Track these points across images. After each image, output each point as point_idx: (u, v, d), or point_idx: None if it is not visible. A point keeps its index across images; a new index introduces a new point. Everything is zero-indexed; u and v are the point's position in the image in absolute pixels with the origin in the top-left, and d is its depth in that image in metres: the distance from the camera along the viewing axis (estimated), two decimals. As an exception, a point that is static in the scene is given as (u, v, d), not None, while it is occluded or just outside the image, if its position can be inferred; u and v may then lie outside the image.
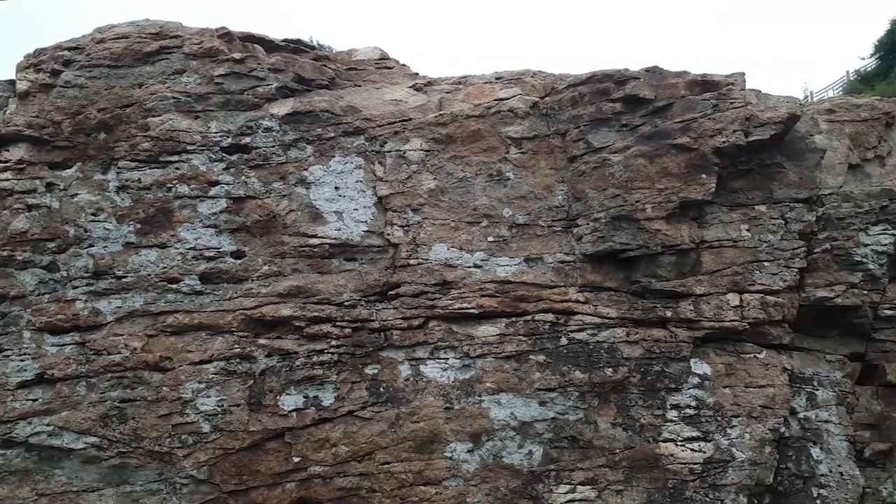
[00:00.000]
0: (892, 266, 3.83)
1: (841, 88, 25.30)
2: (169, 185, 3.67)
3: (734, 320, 3.61)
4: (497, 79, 4.36)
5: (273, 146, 3.73)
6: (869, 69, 24.84)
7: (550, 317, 3.69)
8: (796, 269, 3.72)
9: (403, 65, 4.45)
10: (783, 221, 3.79)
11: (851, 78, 25.42)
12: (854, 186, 4.02)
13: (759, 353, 3.64)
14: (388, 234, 3.70)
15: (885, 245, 3.76)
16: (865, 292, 3.74)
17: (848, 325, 3.81)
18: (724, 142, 3.70)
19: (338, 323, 3.57)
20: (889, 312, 3.76)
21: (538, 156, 3.95)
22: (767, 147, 3.81)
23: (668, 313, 3.67)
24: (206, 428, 3.48)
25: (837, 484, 3.46)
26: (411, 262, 3.67)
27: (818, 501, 3.43)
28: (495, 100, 4.00)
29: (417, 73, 4.37)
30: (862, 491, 3.49)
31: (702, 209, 3.80)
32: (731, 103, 3.80)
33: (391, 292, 3.65)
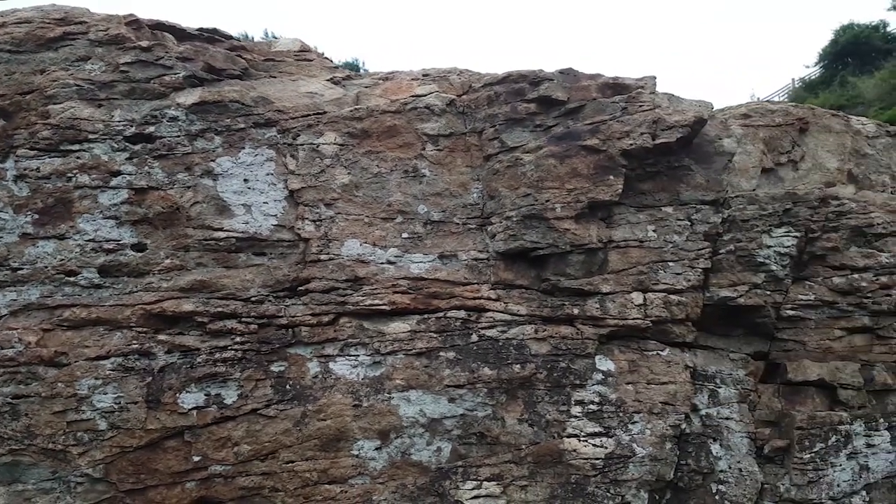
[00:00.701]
0: (795, 267, 3.97)
1: (786, 95, 26.24)
2: (69, 175, 3.54)
3: (637, 318, 3.68)
4: (424, 75, 4.36)
5: (179, 136, 3.63)
6: (813, 77, 25.85)
7: (462, 314, 3.70)
8: (700, 270, 3.82)
9: (325, 58, 4.40)
10: (689, 223, 3.89)
11: (796, 85, 26.42)
12: (767, 190, 4.15)
13: (662, 351, 3.72)
14: (299, 229, 3.65)
15: (788, 247, 3.89)
16: (768, 293, 3.87)
17: (752, 324, 3.93)
18: (632, 144, 3.78)
19: (243, 319, 3.50)
20: (791, 312, 3.88)
21: (455, 153, 3.95)
22: (675, 150, 3.89)
23: (576, 311, 3.72)
24: (102, 426, 3.37)
25: (736, 480, 3.56)
26: (322, 257, 3.63)
27: (717, 497, 3.52)
28: (412, 96, 3.99)
29: (338, 67, 4.33)
30: (760, 487, 3.59)
31: (610, 210, 3.87)
32: (640, 106, 3.87)
33: (301, 288, 3.60)
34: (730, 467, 3.57)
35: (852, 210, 3.96)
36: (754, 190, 4.29)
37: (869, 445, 3.74)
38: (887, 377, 3.87)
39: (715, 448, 3.59)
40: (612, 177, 3.79)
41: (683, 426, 3.60)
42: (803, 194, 3.99)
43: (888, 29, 24.40)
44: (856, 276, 3.90)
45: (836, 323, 3.91)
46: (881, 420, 3.81)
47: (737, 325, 3.96)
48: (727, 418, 3.69)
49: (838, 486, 3.59)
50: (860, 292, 3.89)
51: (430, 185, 3.88)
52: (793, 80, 26.52)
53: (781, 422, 3.72)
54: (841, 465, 3.63)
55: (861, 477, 3.67)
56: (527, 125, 3.94)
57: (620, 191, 3.80)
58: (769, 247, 3.87)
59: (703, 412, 3.69)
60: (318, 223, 3.66)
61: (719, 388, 3.75)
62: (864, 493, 3.66)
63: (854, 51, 23.95)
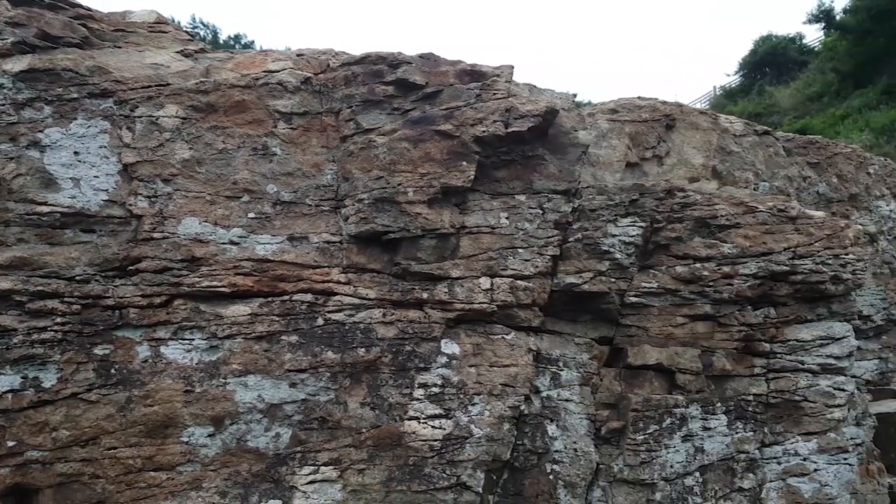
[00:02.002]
0: (641, 256, 4.09)
1: (708, 102, 27.39)
2: None
3: (483, 303, 3.71)
4: (299, 55, 4.25)
5: (4, 105, 3.40)
6: (733, 85, 27.08)
7: (309, 297, 3.63)
8: (549, 257, 3.88)
9: (182, 30, 4.23)
10: (541, 211, 3.95)
11: (717, 93, 27.57)
12: (618, 182, 4.26)
13: (507, 335, 3.77)
14: (131, 205, 3.48)
15: (633, 236, 4.00)
16: (613, 280, 3.97)
17: (598, 310, 4.03)
18: (485, 131, 3.80)
19: (66, 299, 3.31)
20: (635, 299, 4.00)
21: (309, 133, 3.87)
22: (529, 139, 3.94)
23: (425, 295, 3.71)
24: None
25: (571, 460, 3.63)
26: (155, 235, 3.47)
27: (551, 476, 3.59)
28: (264, 71, 3.88)
29: (193, 39, 4.17)
30: (595, 467, 3.68)
31: (465, 196, 3.88)
32: (494, 94, 3.90)
33: (131, 268, 3.44)
34: (565, 447, 3.64)
35: (697, 202, 4.11)
36: (620, 182, 4.41)
37: (705, 428, 3.89)
38: (726, 363, 4.04)
39: (552, 429, 3.66)
40: (465, 163, 3.80)
41: (523, 407, 3.65)
42: (650, 186, 4.12)
43: (804, 41, 25.89)
44: (698, 265, 4.05)
45: (679, 310, 4.05)
46: (718, 404, 3.98)
47: (584, 311, 4.05)
48: (567, 400, 3.76)
49: (671, 466, 3.73)
50: (702, 281, 4.04)
51: (281, 164, 3.79)
52: (714, 87, 27.79)
53: (620, 404, 3.83)
54: (675, 447, 3.76)
55: (695, 458, 3.82)
56: (384, 107, 3.90)
57: (473, 177, 3.81)
58: (614, 236, 3.97)
59: (544, 394, 3.76)
60: (152, 199, 3.50)
61: (562, 370, 3.82)
62: (697, 474, 3.80)
63: (772, 61, 25.25)
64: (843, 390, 4.13)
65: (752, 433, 3.98)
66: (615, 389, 3.88)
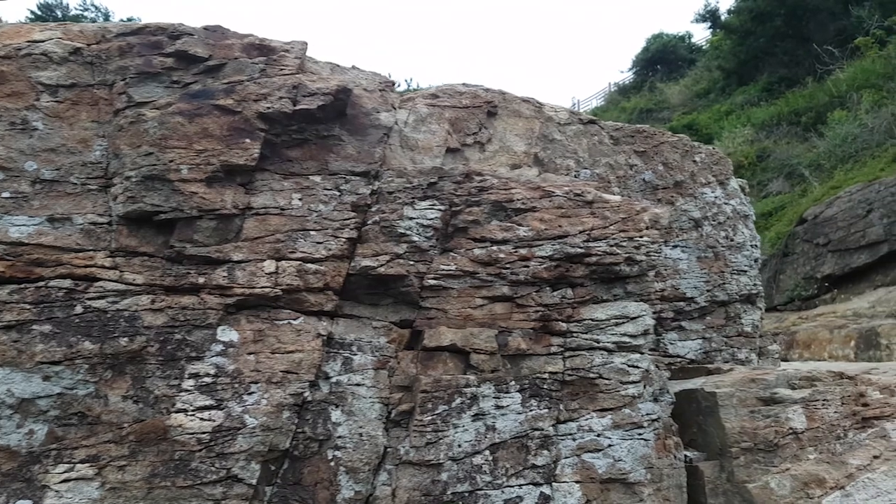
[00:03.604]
0: (442, 239, 4.08)
1: (603, 98, 28.51)
2: None
3: (266, 287, 3.58)
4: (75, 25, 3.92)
5: None
6: (627, 82, 28.29)
7: (67, 283, 3.37)
8: (345, 239, 3.79)
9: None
10: (338, 193, 3.85)
11: (612, 89, 28.74)
12: (419, 165, 4.23)
13: (294, 320, 3.65)
14: None
15: (432, 219, 3.99)
16: (411, 263, 3.94)
17: (398, 293, 3.99)
18: (269, 108, 3.65)
19: None
20: (434, 282, 3.98)
21: (79, 106, 3.59)
22: (324, 118, 3.83)
23: (202, 280, 3.54)
24: None
25: (355, 445, 3.57)
26: None
27: (332, 463, 3.51)
28: (28, 41, 3.56)
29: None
30: (383, 451, 3.64)
31: (252, 175, 3.73)
32: (281, 70, 3.76)
33: None
34: (350, 433, 3.58)
35: (493, 186, 4.14)
36: (440, 167, 4.38)
37: (498, 407, 3.94)
38: (522, 342, 4.10)
39: (336, 415, 3.59)
40: (248, 140, 3.64)
41: (307, 394, 3.56)
42: (449, 169, 4.11)
43: (692, 40, 27.40)
44: (495, 248, 4.09)
45: (478, 292, 4.08)
46: (513, 383, 4.03)
47: (386, 295, 4.00)
48: (358, 385, 3.70)
49: (459, 446, 3.74)
50: (499, 263, 4.08)
51: (43, 139, 3.49)
52: (609, 84, 29.01)
53: (413, 386, 3.81)
54: (464, 427, 3.79)
55: (486, 437, 3.86)
56: (163, 80, 3.67)
57: (257, 156, 3.66)
58: (412, 218, 3.94)
59: (333, 379, 3.68)
60: None
61: (355, 355, 3.75)
62: (487, 452, 3.84)
63: (662, 58, 26.59)
64: (638, 367, 4.30)
65: (546, 410, 4.07)
66: (410, 372, 3.85)
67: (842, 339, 14.74)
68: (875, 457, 4.42)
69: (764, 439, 4.31)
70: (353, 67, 4.40)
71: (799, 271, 17.80)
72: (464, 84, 5.19)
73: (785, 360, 14.66)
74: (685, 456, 4.47)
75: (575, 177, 5.44)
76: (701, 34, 26.48)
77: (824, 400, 4.48)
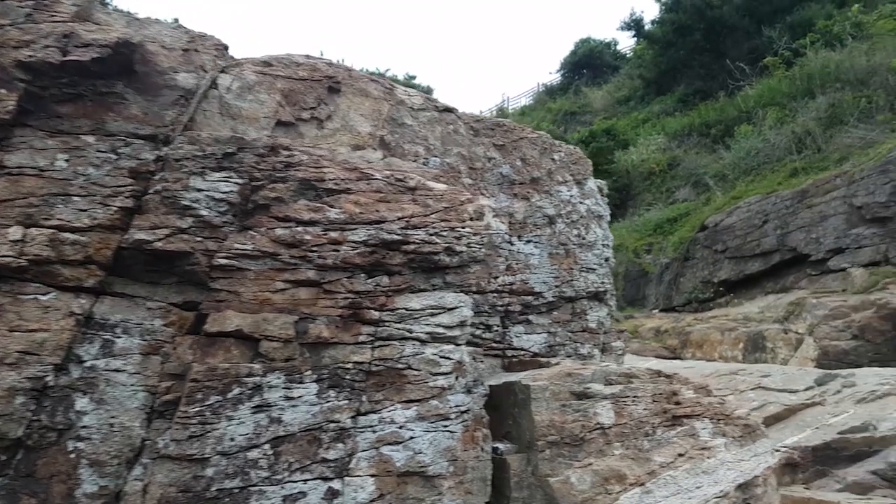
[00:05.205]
0: (242, 216, 3.79)
1: (532, 97, 28.83)
2: None
3: (8, 256, 3.19)
4: None
5: None
6: (555, 83, 28.71)
7: None
8: (117, 208, 3.45)
9: None
10: (114, 156, 3.50)
11: (540, 90, 29.10)
12: (214, 132, 3.91)
13: (43, 295, 3.28)
14: None
15: (226, 192, 3.69)
16: (199, 239, 3.63)
17: (184, 272, 3.67)
18: (32, 56, 3.26)
19: None
20: (225, 261, 3.68)
21: None
22: (104, 73, 3.47)
23: (-69, 244, 3.12)
24: None
25: (104, 436, 3.24)
26: None
27: (73, 455, 3.17)
28: None
29: None
30: (140, 444, 3.33)
31: (10, 131, 3.32)
32: (52, 16, 3.37)
33: None
34: (98, 423, 3.25)
35: (302, 163, 3.89)
36: (269, 139, 4.08)
37: (288, 398, 3.69)
38: (325, 330, 3.87)
39: (82, 402, 3.25)
40: (3, 91, 3.23)
41: (49, 379, 3.20)
42: (251, 140, 3.83)
43: (618, 47, 28.02)
44: (300, 228, 3.83)
45: (280, 275, 3.81)
46: (309, 373, 3.79)
47: (170, 273, 3.68)
48: (118, 371, 3.37)
49: (232, 439, 3.47)
50: (305, 245, 3.83)
51: None
52: (538, 84, 29.34)
53: (186, 374, 3.51)
54: (240, 419, 3.52)
55: (269, 430, 3.60)
56: None
57: (13, 109, 3.26)
58: (200, 190, 3.63)
59: (87, 364, 3.33)
60: None
61: (119, 338, 3.42)
62: (268, 446, 3.59)
63: (588, 63, 27.05)
64: (450, 358, 4.16)
65: (346, 402, 3.86)
66: (187, 359, 3.55)
67: (731, 341, 15.39)
68: (680, 455, 4.46)
69: (570, 433, 4.26)
70: (158, 22, 4.04)
71: (698, 275, 18.51)
72: (306, 56, 4.91)
73: (678, 358, 15.20)
74: (497, 448, 4.38)
75: (423, 164, 5.25)
76: (626, 42, 27.10)
77: (634, 397, 4.48)
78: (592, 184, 6.33)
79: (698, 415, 4.63)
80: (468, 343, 5.24)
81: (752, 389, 9.63)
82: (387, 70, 25.10)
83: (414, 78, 25.03)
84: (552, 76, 27.71)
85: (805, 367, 12.15)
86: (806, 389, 9.03)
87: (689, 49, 22.54)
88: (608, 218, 6.36)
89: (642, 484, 4.24)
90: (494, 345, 5.66)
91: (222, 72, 4.35)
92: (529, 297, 5.90)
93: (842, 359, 12.34)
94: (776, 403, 8.84)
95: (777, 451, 7.19)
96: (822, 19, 20.66)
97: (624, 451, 4.33)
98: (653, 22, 23.44)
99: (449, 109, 5.62)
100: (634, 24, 23.50)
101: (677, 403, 4.61)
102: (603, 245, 6.17)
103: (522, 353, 5.78)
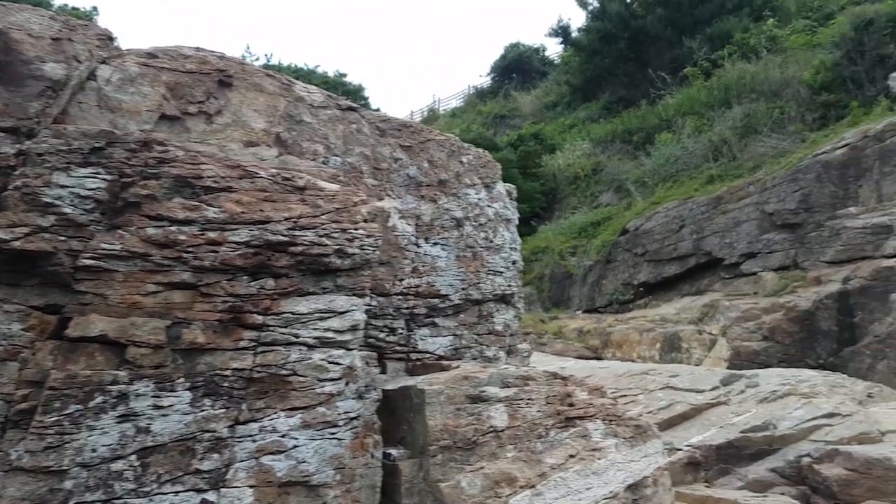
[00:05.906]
0: (111, 214, 3.59)
1: (462, 100, 29.07)
2: None
3: None
4: None
5: None
6: (485, 86, 29.06)
7: None
8: (-34, 205, 3.19)
9: None
10: (-36, 148, 3.24)
11: (471, 92, 29.38)
12: (81, 125, 3.71)
13: None
14: None
15: (93, 189, 3.49)
16: (62, 238, 3.41)
17: (46, 273, 3.45)
18: None
19: None
20: (91, 262, 3.48)
21: None
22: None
23: None
24: None
25: (-56, 450, 2.99)
26: None
27: None
28: None
29: None
30: (-11, 457, 3.09)
31: None
32: None
33: None
34: (-65, 437, 3.00)
35: (178, 158, 3.73)
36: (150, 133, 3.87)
37: (157, 407, 3.52)
38: (199, 335, 3.72)
39: (-80, 414, 2.99)
40: None
41: None
42: (122, 135, 3.64)
43: (546, 53, 28.65)
44: (174, 228, 3.67)
45: (151, 277, 3.64)
46: (181, 380, 3.63)
47: (32, 274, 3.45)
48: (-35, 380, 3.12)
49: (94, 450, 3.29)
50: (180, 246, 3.67)
51: None
52: (469, 86, 29.63)
53: (45, 381, 3.29)
54: (103, 428, 3.33)
55: (135, 440, 3.43)
56: None
57: None
58: (64, 186, 3.42)
59: (-76, 373, 3.06)
60: None
61: (-33, 344, 3.17)
62: (134, 457, 3.41)
63: (518, 67, 27.53)
64: (339, 364, 4.08)
65: (223, 410, 3.72)
66: (46, 365, 3.33)
67: (649, 342, 15.95)
68: (571, 456, 4.55)
69: (463, 437, 4.28)
70: (28, 9, 3.78)
71: (619, 277, 19.12)
72: (196, 48, 4.72)
73: (599, 358, 15.62)
74: (389, 454, 4.34)
75: (323, 163, 5.15)
76: (554, 48, 27.67)
77: (528, 399, 4.55)
78: (501, 188, 6.40)
79: (591, 416, 4.75)
80: (371, 347, 5.22)
81: (661, 389, 9.89)
82: (316, 67, 24.66)
83: (344, 76, 24.74)
84: (483, 79, 28.00)
85: (718, 366, 12.71)
86: (712, 389, 9.36)
87: (613, 57, 23.27)
88: (516, 221, 6.45)
89: (533, 486, 4.31)
90: (398, 348, 5.62)
91: (103, 63, 4.12)
92: (436, 300, 5.89)
93: (753, 359, 12.93)
94: (683, 403, 9.13)
95: (678, 450, 7.48)
96: (740, 32, 21.74)
97: (516, 453, 4.38)
98: (579, 29, 24.07)
99: (353, 108, 5.55)
100: (562, 31, 24.08)
101: (571, 405, 4.72)
102: (510, 248, 6.25)
103: (427, 356, 5.77)
